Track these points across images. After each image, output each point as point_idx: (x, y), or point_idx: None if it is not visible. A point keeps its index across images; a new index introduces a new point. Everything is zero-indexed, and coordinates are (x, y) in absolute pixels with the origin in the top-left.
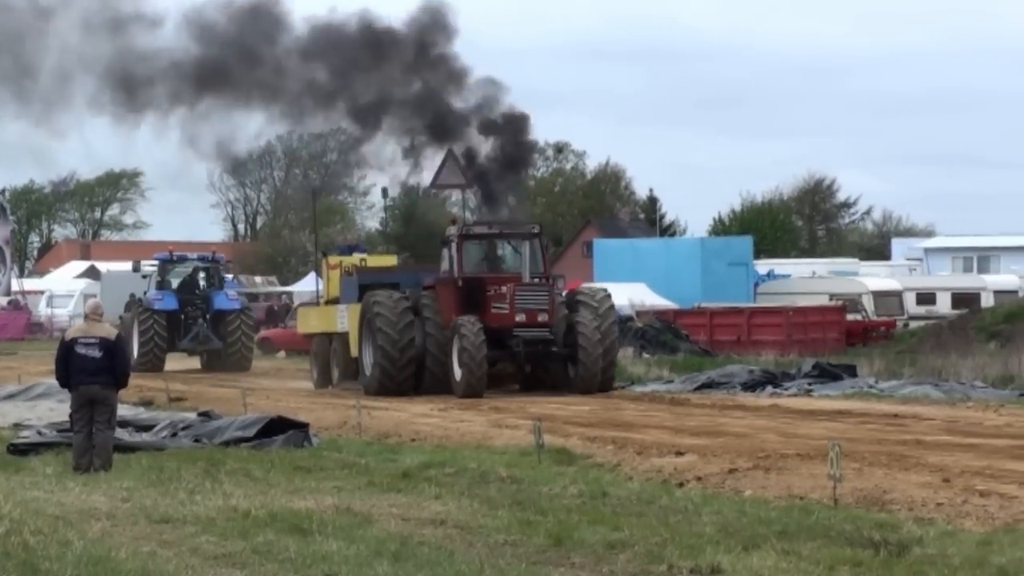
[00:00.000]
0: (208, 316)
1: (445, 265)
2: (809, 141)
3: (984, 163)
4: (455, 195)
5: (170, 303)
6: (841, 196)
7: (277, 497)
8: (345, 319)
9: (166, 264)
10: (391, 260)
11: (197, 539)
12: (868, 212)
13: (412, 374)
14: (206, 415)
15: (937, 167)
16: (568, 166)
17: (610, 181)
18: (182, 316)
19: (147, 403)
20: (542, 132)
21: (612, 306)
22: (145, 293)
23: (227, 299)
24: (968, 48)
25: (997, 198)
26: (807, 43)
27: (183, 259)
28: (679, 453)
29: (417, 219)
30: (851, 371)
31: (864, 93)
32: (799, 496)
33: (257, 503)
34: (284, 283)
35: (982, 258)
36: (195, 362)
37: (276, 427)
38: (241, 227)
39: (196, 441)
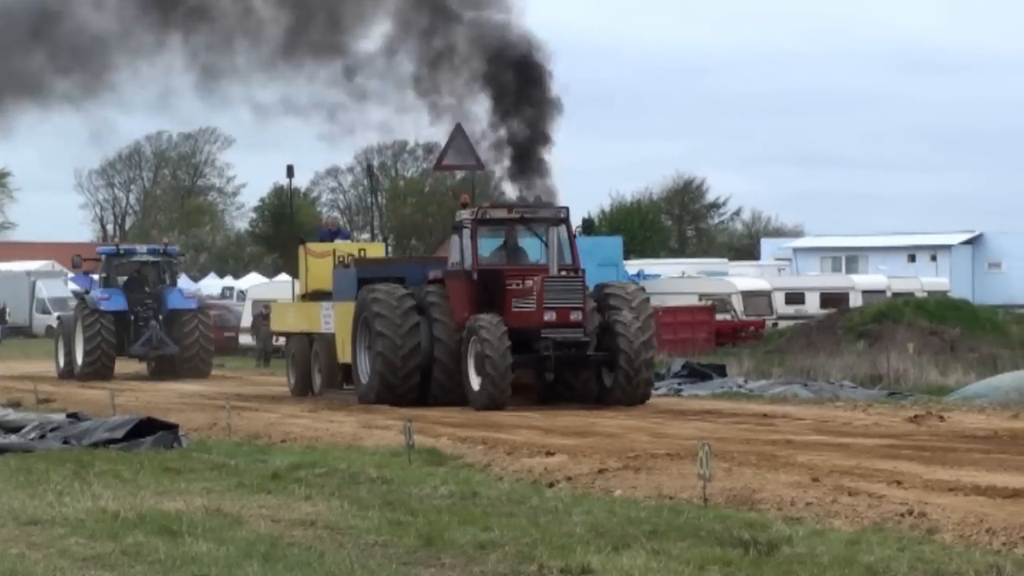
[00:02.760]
0: (161, 317)
1: (455, 255)
2: (678, 142)
3: (851, 164)
4: (325, 195)
5: (118, 303)
6: (710, 196)
7: (146, 498)
8: (331, 318)
9: (112, 259)
10: (379, 249)
11: (66, 541)
12: (737, 212)
13: (417, 383)
14: (75, 416)
15: (805, 168)
16: None
17: (479, 182)
18: (132, 317)
19: (15, 404)
20: (411, 134)
21: (648, 301)
22: (88, 292)
23: (182, 297)
24: (828, 50)
25: (864, 198)
26: (667, 44)
27: (131, 253)
28: (549, 453)
29: (287, 219)
30: (720, 371)
31: (728, 94)
32: (669, 496)
33: (126, 504)
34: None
35: (850, 258)
36: (144, 368)
37: (145, 428)
38: (110, 228)
39: (65, 443)
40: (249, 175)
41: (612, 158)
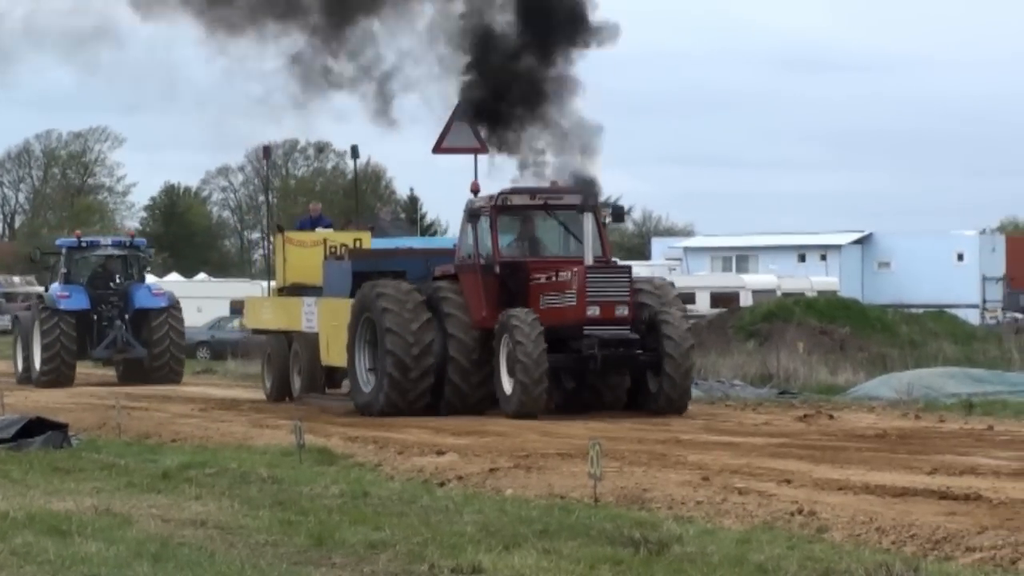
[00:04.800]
0: (128, 316)
1: (468, 247)
2: None
3: (740, 163)
4: (216, 194)
5: (80, 301)
6: (603, 195)
7: (36, 498)
8: (314, 316)
9: (73, 252)
10: (366, 237)
11: None
12: (628, 212)
13: (429, 391)
14: None
15: (694, 167)
16: (329, 166)
17: (371, 181)
18: (95, 317)
19: None
20: (300, 133)
21: (678, 297)
22: (46, 289)
23: (150, 295)
24: (713, 49)
25: (754, 198)
26: None
27: (94, 245)
28: (440, 452)
29: (177, 218)
30: None
31: (616, 93)
32: (560, 495)
33: (15, 505)
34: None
35: (740, 258)
36: (110, 373)
37: (35, 428)
38: None
39: None
40: (139, 175)
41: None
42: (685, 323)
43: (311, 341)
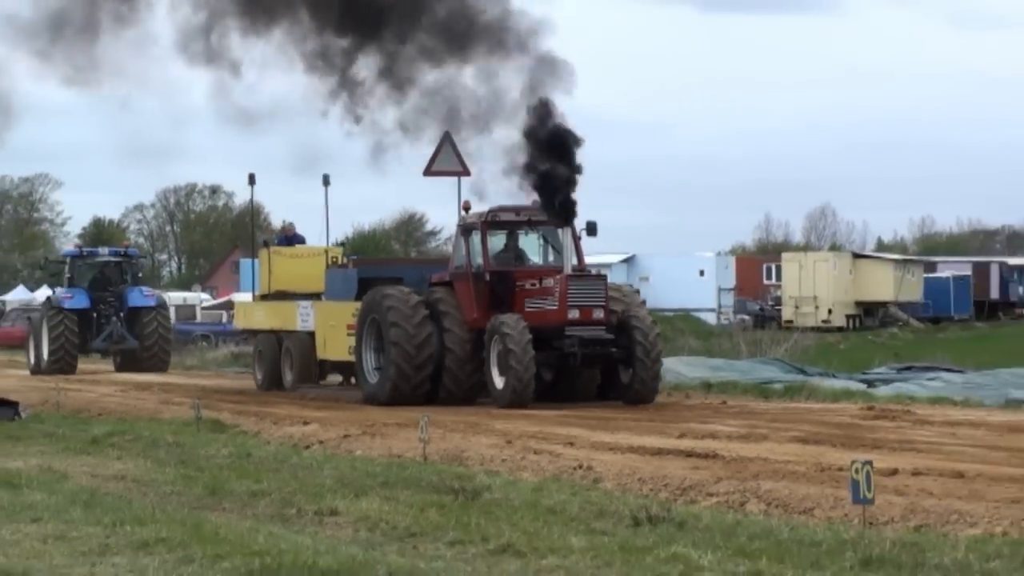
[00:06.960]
0: (122, 314)
1: (461, 257)
2: (402, 182)
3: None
4: (133, 225)
5: (81, 301)
6: (429, 226)
7: None
8: (311, 317)
9: (76, 260)
10: (337, 252)
11: None
12: (450, 238)
13: (430, 378)
14: None
15: (487, 203)
16: (220, 204)
17: (251, 214)
18: (94, 315)
19: None
20: (196, 175)
21: (643, 301)
22: (54, 291)
23: (142, 296)
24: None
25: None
26: None
27: (94, 254)
28: (306, 423)
29: (102, 243)
30: None
31: None
32: (397, 455)
33: None
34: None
35: None
36: (109, 363)
37: None
38: None
39: None
40: (74, 209)
41: (354, 196)
42: (655, 328)
43: (305, 339)
